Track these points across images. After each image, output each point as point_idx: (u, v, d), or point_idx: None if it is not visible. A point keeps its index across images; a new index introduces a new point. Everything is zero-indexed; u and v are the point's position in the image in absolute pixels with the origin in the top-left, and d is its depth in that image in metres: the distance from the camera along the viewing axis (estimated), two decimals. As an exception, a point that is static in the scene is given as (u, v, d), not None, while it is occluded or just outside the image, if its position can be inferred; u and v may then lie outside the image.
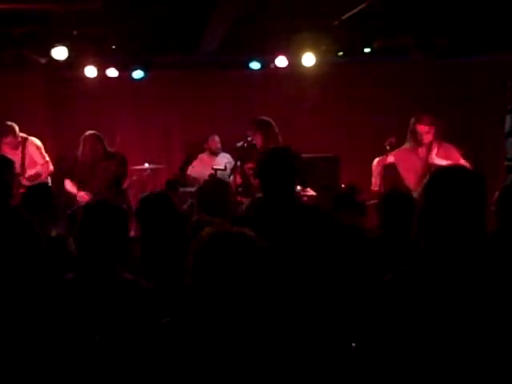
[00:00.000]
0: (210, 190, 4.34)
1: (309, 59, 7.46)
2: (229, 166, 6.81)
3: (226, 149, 8.05)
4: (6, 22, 6.36)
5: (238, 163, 6.49)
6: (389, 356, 1.96)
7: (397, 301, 1.97)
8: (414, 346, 1.92)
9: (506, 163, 9.02)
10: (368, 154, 6.64)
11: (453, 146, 6.13)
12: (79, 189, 6.63)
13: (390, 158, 6.28)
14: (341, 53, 7.71)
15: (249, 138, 6.40)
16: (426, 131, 6.03)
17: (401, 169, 6.25)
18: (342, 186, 6.63)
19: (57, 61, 6.95)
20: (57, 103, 8.47)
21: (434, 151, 6.02)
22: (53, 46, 6.78)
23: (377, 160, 6.32)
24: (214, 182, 4.93)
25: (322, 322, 3.03)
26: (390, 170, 6.25)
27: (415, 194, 5.62)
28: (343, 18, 6.50)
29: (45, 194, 4.52)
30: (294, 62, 7.63)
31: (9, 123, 7.02)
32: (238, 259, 1.97)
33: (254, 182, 6.47)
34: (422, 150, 6.10)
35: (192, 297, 2.01)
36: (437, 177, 2.07)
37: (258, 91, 8.28)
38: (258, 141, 6.40)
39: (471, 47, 7.69)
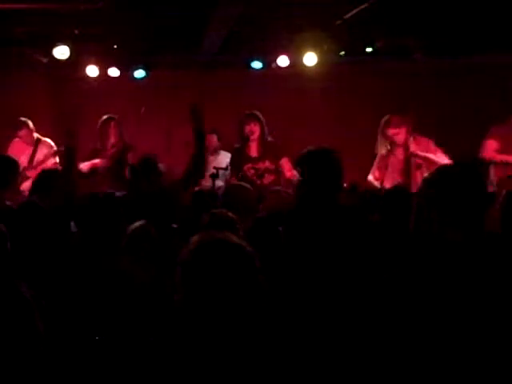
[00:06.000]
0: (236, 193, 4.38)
1: (311, 59, 7.44)
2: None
3: (227, 148, 8.03)
4: (7, 21, 6.37)
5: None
6: (396, 350, 1.95)
7: (397, 299, 1.97)
8: (416, 344, 1.92)
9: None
10: (369, 153, 6.63)
11: (426, 138, 6.18)
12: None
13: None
14: (343, 52, 7.69)
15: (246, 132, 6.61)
16: (396, 133, 6.05)
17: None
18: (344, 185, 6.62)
19: (58, 60, 6.96)
20: (58, 103, 8.46)
21: (412, 147, 6.02)
22: (54, 46, 6.78)
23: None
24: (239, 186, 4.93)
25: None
26: None
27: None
28: (345, 17, 6.50)
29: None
30: (296, 62, 7.62)
31: (23, 119, 7.16)
32: (229, 267, 1.84)
33: (258, 181, 6.48)
34: (398, 151, 6.11)
35: (182, 311, 1.87)
36: (440, 175, 2.06)
37: (260, 91, 8.26)
38: (256, 132, 6.62)
39: (472, 47, 7.67)
